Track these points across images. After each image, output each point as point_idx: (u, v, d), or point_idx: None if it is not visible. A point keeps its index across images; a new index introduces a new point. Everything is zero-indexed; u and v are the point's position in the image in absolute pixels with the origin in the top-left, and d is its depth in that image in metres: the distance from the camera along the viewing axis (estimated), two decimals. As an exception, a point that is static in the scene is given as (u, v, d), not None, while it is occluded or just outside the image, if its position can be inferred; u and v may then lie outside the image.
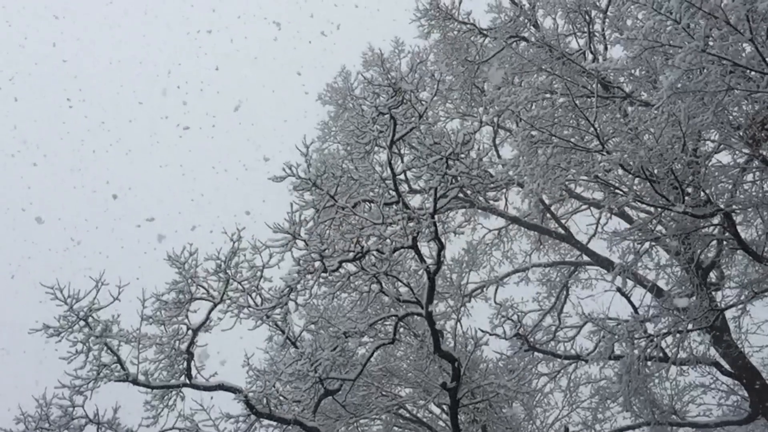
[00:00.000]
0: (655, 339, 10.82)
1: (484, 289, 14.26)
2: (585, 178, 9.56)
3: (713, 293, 11.39)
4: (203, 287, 9.37)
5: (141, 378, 9.30)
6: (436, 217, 9.26)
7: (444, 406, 11.81)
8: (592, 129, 8.60)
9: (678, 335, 11.02)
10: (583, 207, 14.50)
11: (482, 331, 11.30)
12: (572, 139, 9.23)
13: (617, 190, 9.77)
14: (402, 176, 11.94)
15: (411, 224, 9.09)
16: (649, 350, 10.87)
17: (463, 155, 9.06)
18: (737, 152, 9.97)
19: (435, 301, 10.31)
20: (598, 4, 11.75)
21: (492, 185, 10.84)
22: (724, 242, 10.85)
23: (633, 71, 10.31)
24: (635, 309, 11.31)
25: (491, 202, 13.71)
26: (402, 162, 12.84)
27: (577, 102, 9.38)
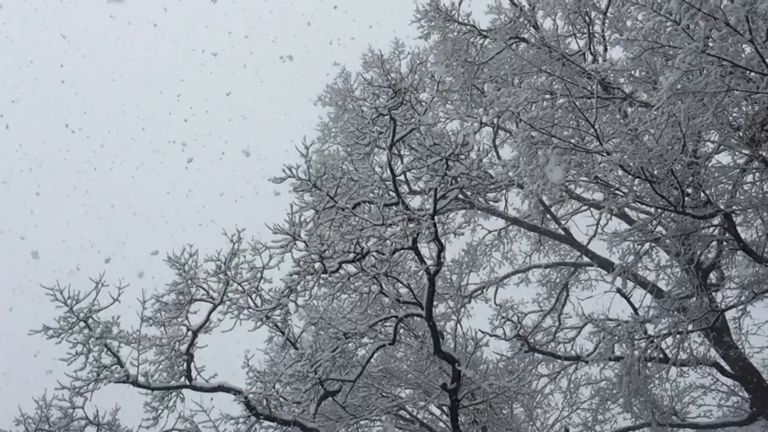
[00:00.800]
0: (655, 340, 10.82)
1: (484, 290, 14.24)
2: (585, 179, 9.56)
3: (713, 294, 11.39)
4: (203, 288, 9.37)
5: (141, 379, 9.30)
6: (436, 218, 9.25)
7: (444, 407, 11.80)
8: (592, 130, 8.60)
9: (678, 336, 11.02)
10: (583, 208, 14.49)
11: (482, 332, 11.30)
12: (572, 140, 9.23)
13: (617, 191, 9.77)
14: (402, 177, 11.95)
15: (411, 225, 9.09)
16: (649, 351, 10.87)
17: (462, 156, 9.06)
18: (737, 153, 9.98)
19: (435, 302, 10.31)
20: (597, 5, 11.74)
21: (492, 186, 10.84)
22: (725, 243, 10.85)
23: (633, 72, 10.31)
24: (635, 310, 11.31)
25: (491, 203, 13.71)
26: (402, 163, 12.84)
27: (577, 103, 9.39)
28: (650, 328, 11.19)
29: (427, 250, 10.64)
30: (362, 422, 11.58)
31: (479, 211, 13.84)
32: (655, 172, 8.80)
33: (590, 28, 11.79)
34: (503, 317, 12.40)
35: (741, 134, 8.91)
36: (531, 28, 12.39)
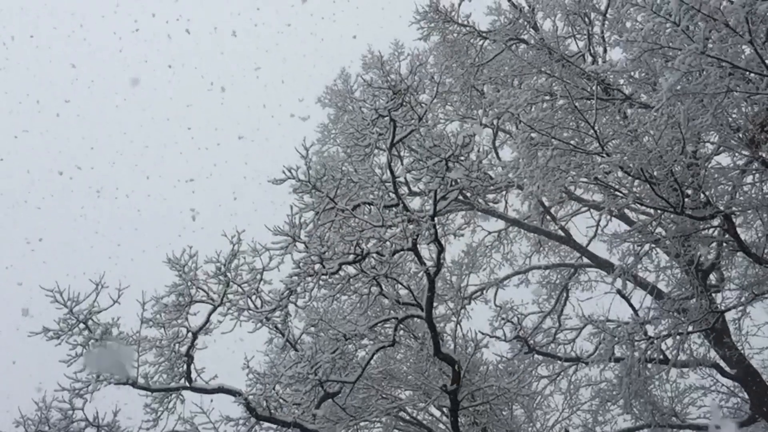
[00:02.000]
0: (655, 341, 10.82)
1: (484, 291, 14.24)
2: (585, 180, 9.56)
3: (713, 295, 11.39)
4: (203, 290, 9.36)
5: (141, 381, 9.29)
6: (435, 219, 9.25)
7: (444, 409, 11.79)
8: (591, 131, 8.60)
9: (678, 337, 11.02)
10: (583, 209, 14.49)
11: (482, 333, 11.30)
12: (572, 142, 9.24)
13: (617, 192, 9.77)
14: (402, 179, 11.94)
15: (411, 226, 9.08)
16: (649, 352, 10.86)
17: (462, 157, 9.06)
18: (737, 154, 9.98)
19: (435, 304, 10.30)
20: (597, 6, 11.75)
21: (492, 187, 10.83)
22: (724, 244, 10.85)
23: (632, 73, 10.31)
24: (635, 311, 11.30)
25: (491, 204, 13.70)
26: (402, 164, 12.84)
27: (576, 104, 9.38)
28: (650, 329, 11.19)
29: (426, 251, 10.64)
30: (362, 423, 11.57)
31: (479, 213, 13.84)
32: (655, 174, 8.80)
33: (590, 29, 11.80)
34: (503, 318, 12.39)
35: (741, 135, 8.92)
36: (530, 29, 12.40)
